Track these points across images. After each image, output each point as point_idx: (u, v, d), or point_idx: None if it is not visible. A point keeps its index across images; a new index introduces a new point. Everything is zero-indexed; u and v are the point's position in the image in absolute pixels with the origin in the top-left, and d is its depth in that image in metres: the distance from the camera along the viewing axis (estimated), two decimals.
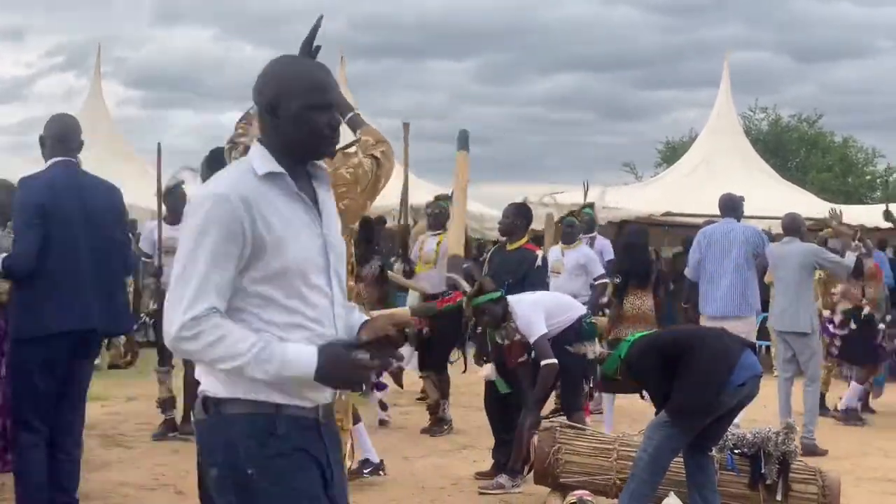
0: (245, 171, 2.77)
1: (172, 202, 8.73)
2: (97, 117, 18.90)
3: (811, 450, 8.58)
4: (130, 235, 7.31)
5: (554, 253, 10.07)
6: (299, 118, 2.76)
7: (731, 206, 9.60)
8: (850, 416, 10.58)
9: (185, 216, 2.77)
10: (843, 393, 10.93)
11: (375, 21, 66.60)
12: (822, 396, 10.56)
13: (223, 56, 69.81)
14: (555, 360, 6.91)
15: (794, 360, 9.35)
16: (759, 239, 9.38)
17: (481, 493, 7.10)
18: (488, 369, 7.45)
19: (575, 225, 10.41)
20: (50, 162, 5.59)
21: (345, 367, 2.68)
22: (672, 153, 34.60)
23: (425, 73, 69.61)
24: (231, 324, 2.66)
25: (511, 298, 7.09)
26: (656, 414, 5.87)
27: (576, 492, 6.32)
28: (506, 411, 7.42)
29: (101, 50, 20.35)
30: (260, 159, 2.78)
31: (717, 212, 9.97)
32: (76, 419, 5.70)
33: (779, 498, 6.17)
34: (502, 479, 7.16)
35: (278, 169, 2.77)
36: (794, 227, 9.50)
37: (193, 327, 2.63)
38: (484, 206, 17.40)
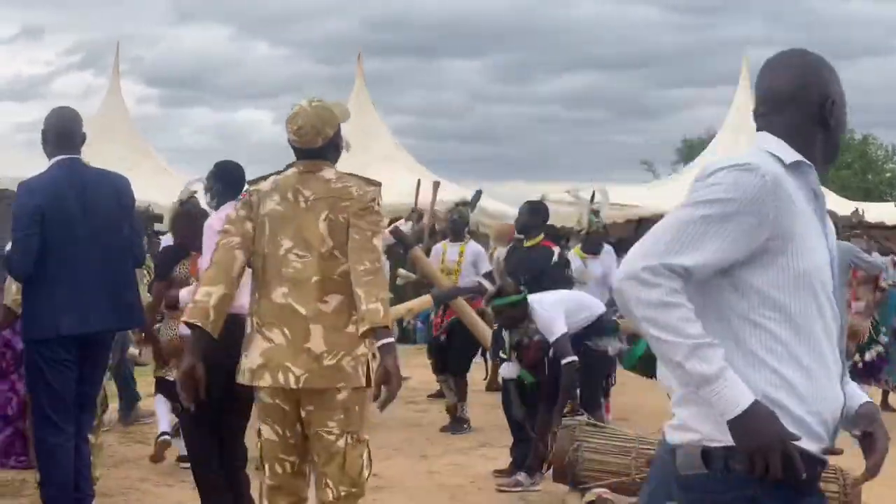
0: (766, 156, 2.44)
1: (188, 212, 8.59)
2: (116, 116, 19.05)
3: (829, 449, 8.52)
4: (148, 234, 7.23)
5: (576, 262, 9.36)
6: (842, 120, 2.57)
7: None
8: None
9: (694, 186, 2.42)
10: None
11: (391, 20, 66.77)
12: None
13: (239, 54, 70.03)
14: (575, 358, 6.88)
15: None
16: None
17: (500, 491, 7.08)
18: (509, 368, 7.44)
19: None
20: (52, 161, 5.48)
21: (772, 439, 2.25)
22: (690, 151, 34.53)
23: (440, 71, 69.67)
24: (686, 300, 2.31)
25: (532, 298, 7.07)
26: None
27: (595, 490, 6.30)
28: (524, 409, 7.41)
29: (119, 48, 20.47)
30: (782, 147, 2.46)
31: None
32: (88, 418, 5.65)
33: None
34: (521, 476, 7.14)
35: (807, 161, 2.47)
36: None
37: (659, 275, 2.29)
38: (501, 204, 17.38)
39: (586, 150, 64.89)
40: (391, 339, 4.19)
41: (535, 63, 69.23)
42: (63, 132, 5.49)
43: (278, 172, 4.37)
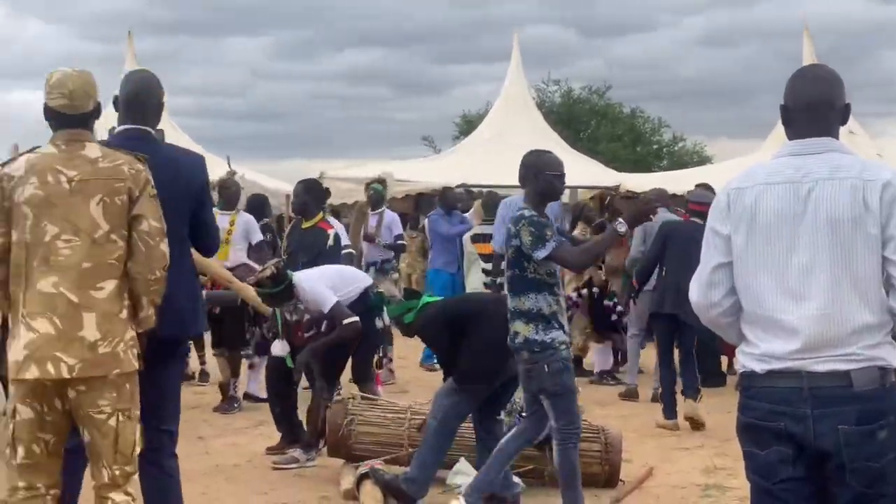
0: None
1: None
2: None
3: (632, 394, 9.87)
4: None
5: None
6: None
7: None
8: (605, 378, 10.87)
9: None
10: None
11: None
12: (580, 360, 10.94)
13: (12, 33, 66.56)
14: (356, 318, 6.78)
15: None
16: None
17: (275, 469, 7.05)
18: (279, 345, 7.39)
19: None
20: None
21: None
22: (468, 126, 35.02)
23: (219, 49, 68.21)
24: None
25: (296, 277, 6.95)
26: (444, 380, 5.97)
27: (368, 461, 6.35)
28: (289, 386, 7.40)
29: None
30: None
31: (511, 182, 10.11)
32: None
33: None
34: (296, 453, 7.12)
35: None
36: (663, 201, 10.03)
37: None
38: (280, 182, 17.22)
39: (368, 126, 64.75)
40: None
41: (317, 40, 68.59)
42: (127, 100, 4.60)
43: (31, 150, 4.16)
